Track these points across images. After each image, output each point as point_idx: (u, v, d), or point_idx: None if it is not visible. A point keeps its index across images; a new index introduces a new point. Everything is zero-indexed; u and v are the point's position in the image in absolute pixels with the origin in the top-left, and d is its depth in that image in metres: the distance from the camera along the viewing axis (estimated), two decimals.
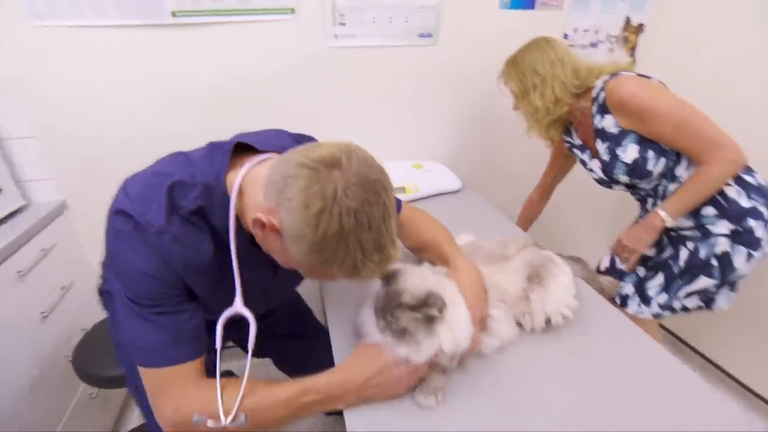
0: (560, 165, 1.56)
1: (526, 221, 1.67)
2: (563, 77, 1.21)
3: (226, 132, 0.78)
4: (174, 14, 1.28)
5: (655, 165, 1.14)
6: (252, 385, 0.65)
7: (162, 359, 0.63)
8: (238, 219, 0.64)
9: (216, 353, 0.66)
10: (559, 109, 1.23)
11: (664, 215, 1.13)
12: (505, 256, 0.90)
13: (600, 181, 1.32)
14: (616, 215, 2.11)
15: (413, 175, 1.51)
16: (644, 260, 1.28)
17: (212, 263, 0.65)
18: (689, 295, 1.17)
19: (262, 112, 1.45)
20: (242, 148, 0.69)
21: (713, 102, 1.14)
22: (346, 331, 0.83)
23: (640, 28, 1.77)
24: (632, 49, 1.80)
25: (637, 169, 1.16)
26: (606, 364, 0.76)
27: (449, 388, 0.71)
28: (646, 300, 1.22)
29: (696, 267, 1.14)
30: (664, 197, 1.20)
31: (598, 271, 1.37)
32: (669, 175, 1.17)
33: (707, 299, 1.17)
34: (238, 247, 0.64)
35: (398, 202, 0.98)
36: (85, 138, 1.37)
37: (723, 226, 1.11)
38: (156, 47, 1.32)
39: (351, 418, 0.66)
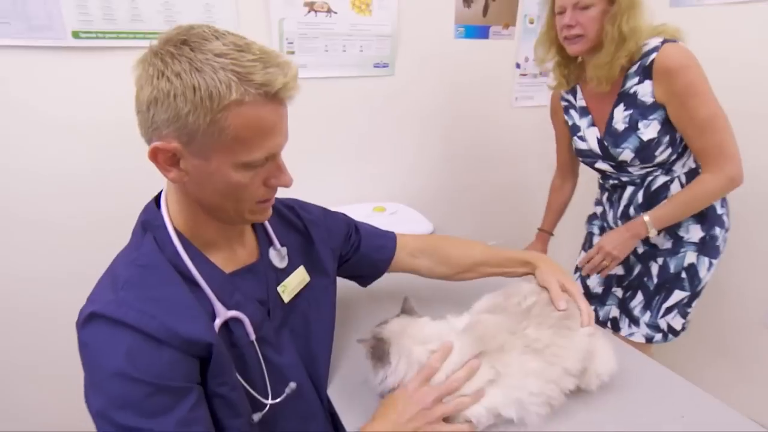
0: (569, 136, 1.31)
1: (554, 212, 1.43)
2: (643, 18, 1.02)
3: (141, 174, 0.70)
4: (75, 35, 1.03)
5: (662, 152, 1.06)
6: None
7: None
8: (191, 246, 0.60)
9: None
10: (627, 50, 1.00)
11: (649, 223, 1.06)
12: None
13: (584, 153, 1.20)
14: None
15: (378, 221, 1.34)
16: (619, 280, 1.25)
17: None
18: (669, 310, 1.14)
19: None
20: None
21: None
22: None
23: None
24: None
25: (646, 150, 1.06)
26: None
27: None
28: (634, 320, 1.18)
29: (668, 281, 1.13)
30: (648, 188, 1.12)
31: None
32: (666, 167, 1.10)
33: (684, 313, 1.15)
34: (205, 275, 0.58)
35: (393, 236, 0.95)
36: None
37: (695, 232, 1.10)
38: (52, 73, 1.05)
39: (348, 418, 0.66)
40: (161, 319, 0.50)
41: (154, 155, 0.53)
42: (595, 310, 1.25)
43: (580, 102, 1.19)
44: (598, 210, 1.34)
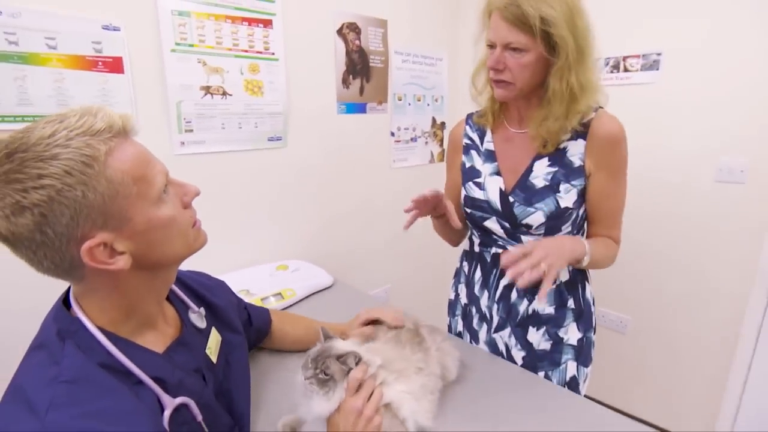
0: None
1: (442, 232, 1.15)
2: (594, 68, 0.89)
3: None
4: None
5: (566, 227, 0.95)
6: None
7: None
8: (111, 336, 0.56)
9: None
10: (577, 110, 0.87)
11: (588, 249, 0.89)
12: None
13: (476, 204, 1.01)
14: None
15: (282, 278, 1.44)
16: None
17: None
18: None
19: None
20: None
21: None
22: None
23: (443, 125, 2.20)
24: (441, 141, 2.20)
25: (559, 219, 0.92)
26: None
27: None
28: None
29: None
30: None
31: None
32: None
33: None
34: (142, 364, 0.56)
35: (266, 312, 1.00)
36: None
37: (574, 332, 1.01)
38: None
39: None
40: None
41: (92, 257, 0.50)
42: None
43: (488, 145, 1.02)
44: (461, 291, 1.15)
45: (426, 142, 2.13)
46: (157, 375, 0.57)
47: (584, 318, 1.02)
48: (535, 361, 1.02)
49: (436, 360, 0.88)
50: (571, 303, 1.01)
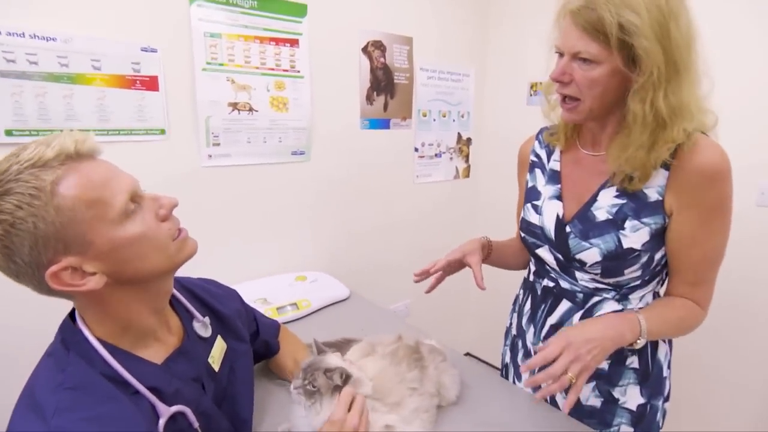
0: None
1: (504, 248, 1.05)
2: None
3: None
4: (9, 133, 1.10)
5: (632, 272, 0.80)
6: None
7: None
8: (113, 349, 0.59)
9: None
10: (667, 139, 0.71)
11: (644, 328, 0.74)
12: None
13: (530, 229, 0.91)
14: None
15: (300, 289, 1.48)
16: None
17: None
18: None
19: None
20: None
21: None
22: None
23: (468, 140, 2.19)
24: (466, 157, 2.20)
25: (618, 260, 0.78)
26: None
27: None
28: None
29: None
30: (589, 313, 0.85)
31: None
32: (622, 292, 0.83)
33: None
34: (139, 375, 0.58)
35: (276, 327, 1.00)
36: None
37: (634, 396, 0.85)
38: None
39: None
40: None
41: (58, 281, 0.52)
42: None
43: (553, 164, 0.91)
44: (514, 320, 1.05)
45: (451, 158, 2.13)
46: (154, 385, 0.59)
47: (651, 382, 0.85)
48: (581, 416, 0.88)
49: (433, 379, 0.88)
50: (634, 362, 0.85)
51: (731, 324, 1.60)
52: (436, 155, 2.06)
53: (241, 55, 1.41)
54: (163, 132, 1.31)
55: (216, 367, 0.75)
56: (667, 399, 0.90)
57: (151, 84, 1.28)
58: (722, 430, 1.67)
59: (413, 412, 0.80)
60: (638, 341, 0.74)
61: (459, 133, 2.14)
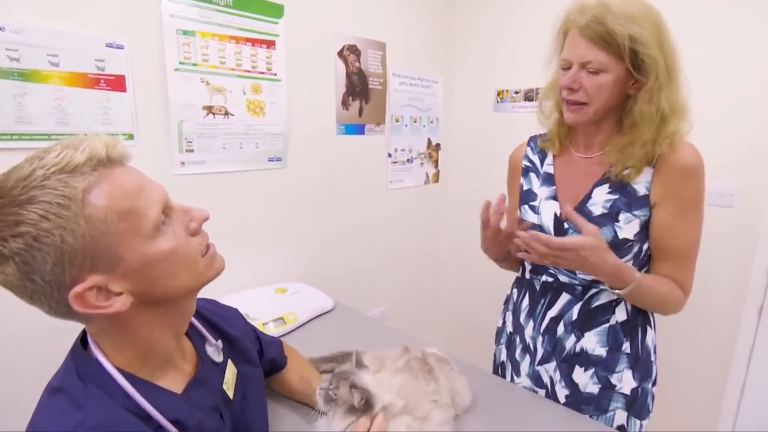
0: None
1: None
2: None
3: None
4: None
5: (628, 260, 0.87)
6: None
7: None
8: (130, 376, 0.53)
9: None
10: (666, 133, 0.82)
11: (636, 285, 0.82)
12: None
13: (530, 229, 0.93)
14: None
15: (283, 302, 1.41)
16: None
17: None
18: None
19: None
20: None
21: None
22: None
23: (438, 146, 2.22)
24: (436, 162, 2.22)
25: (616, 252, 0.84)
26: None
27: None
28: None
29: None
30: (587, 304, 0.92)
31: None
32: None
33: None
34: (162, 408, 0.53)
35: (279, 344, 0.95)
36: None
37: (628, 381, 0.91)
38: None
39: None
40: None
41: (83, 303, 0.46)
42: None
43: (547, 168, 0.98)
44: (508, 319, 1.09)
45: (422, 163, 2.14)
46: (177, 418, 0.54)
47: (641, 366, 0.92)
48: (579, 403, 0.94)
49: (446, 388, 0.87)
50: (627, 347, 0.92)
51: (684, 314, 1.74)
52: (408, 161, 2.06)
53: (216, 55, 1.32)
54: (131, 137, 1.19)
55: (230, 394, 0.69)
56: (654, 383, 0.97)
57: (117, 84, 1.16)
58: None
59: (439, 425, 0.78)
60: (625, 290, 0.83)
61: (429, 139, 2.16)
